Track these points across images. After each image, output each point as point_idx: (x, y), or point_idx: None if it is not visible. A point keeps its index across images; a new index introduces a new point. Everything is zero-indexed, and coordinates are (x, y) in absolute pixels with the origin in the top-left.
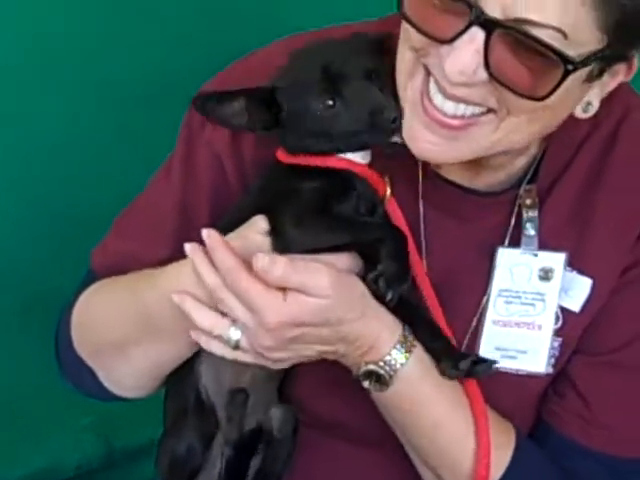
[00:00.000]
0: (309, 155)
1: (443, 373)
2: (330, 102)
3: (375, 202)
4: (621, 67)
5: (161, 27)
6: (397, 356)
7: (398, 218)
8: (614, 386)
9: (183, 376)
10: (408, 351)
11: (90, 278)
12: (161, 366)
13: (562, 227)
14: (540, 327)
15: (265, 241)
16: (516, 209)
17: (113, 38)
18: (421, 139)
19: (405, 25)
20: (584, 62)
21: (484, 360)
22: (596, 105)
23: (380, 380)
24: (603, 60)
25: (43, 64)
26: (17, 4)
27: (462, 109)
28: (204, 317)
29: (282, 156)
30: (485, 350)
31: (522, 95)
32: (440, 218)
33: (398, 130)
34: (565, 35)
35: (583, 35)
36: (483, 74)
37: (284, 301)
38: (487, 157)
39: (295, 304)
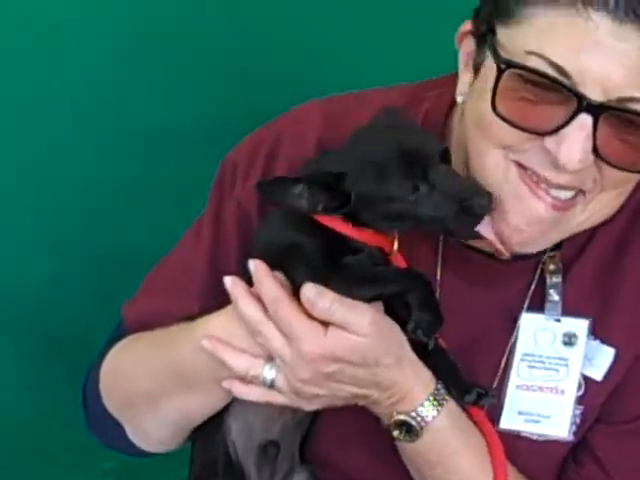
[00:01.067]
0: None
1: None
2: (414, 188)
3: (380, 259)
4: None
5: (195, 82)
6: (429, 408)
7: None
8: (635, 456)
9: (211, 430)
10: (440, 404)
11: (120, 332)
12: (190, 418)
13: (586, 295)
14: (563, 392)
15: None
16: (538, 274)
17: (148, 88)
18: (525, 230)
19: (490, 122)
20: None
21: (486, 394)
22: None
23: (411, 431)
24: None
25: (80, 108)
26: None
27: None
28: (238, 359)
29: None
30: (508, 414)
31: (629, 170)
32: (459, 284)
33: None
34: None
35: None
36: (591, 158)
37: (324, 334)
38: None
39: (335, 338)
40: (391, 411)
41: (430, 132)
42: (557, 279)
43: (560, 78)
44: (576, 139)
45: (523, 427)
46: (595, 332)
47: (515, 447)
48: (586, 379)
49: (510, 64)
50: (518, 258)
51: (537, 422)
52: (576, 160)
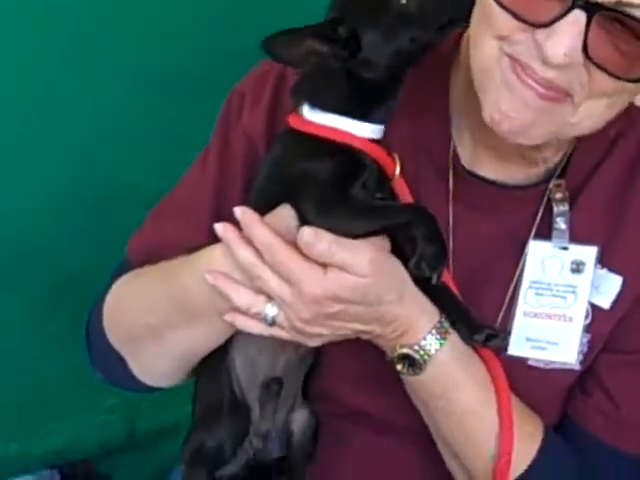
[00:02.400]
0: (322, 127)
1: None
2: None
3: (381, 179)
4: None
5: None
6: (432, 341)
7: (406, 197)
8: None
9: (215, 365)
10: (443, 337)
11: (125, 266)
12: (194, 351)
13: (594, 222)
14: (571, 319)
15: (295, 222)
16: (544, 202)
17: (147, 28)
18: (515, 117)
19: (490, 12)
20: None
21: (496, 335)
22: None
23: (414, 364)
24: None
25: (79, 54)
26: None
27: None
28: (240, 295)
29: (295, 122)
30: (516, 341)
31: (617, 77)
32: (470, 214)
33: None
34: None
35: None
36: (580, 57)
37: (324, 275)
38: (530, 151)
39: (335, 280)
40: (395, 344)
41: None
42: (564, 207)
43: None
44: (565, 33)
45: (531, 354)
46: (603, 260)
47: (522, 375)
48: (594, 307)
49: None
50: (522, 186)
51: (544, 349)
52: (560, 53)
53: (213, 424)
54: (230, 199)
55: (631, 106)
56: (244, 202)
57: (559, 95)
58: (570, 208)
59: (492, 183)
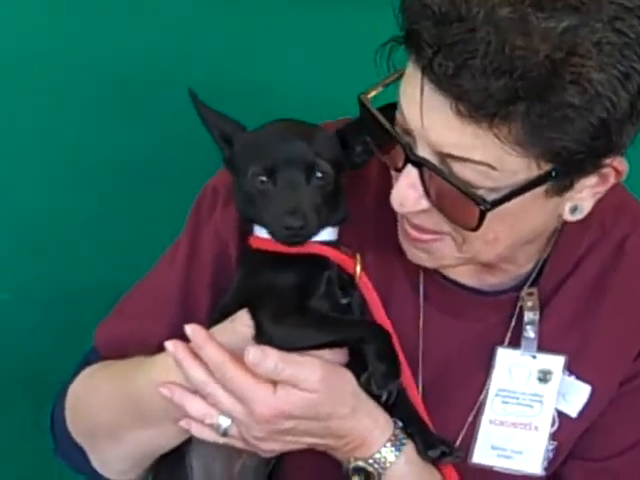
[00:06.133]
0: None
1: None
2: (263, 179)
3: (347, 281)
4: (609, 171)
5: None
6: (387, 454)
7: (371, 296)
8: None
9: (172, 464)
10: (398, 449)
11: (94, 355)
12: (150, 452)
13: (563, 331)
14: (537, 428)
15: (250, 332)
16: (517, 310)
17: (110, 118)
18: (410, 255)
19: None
20: (511, 195)
21: (450, 453)
22: (587, 207)
23: (369, 477)
24: (556, 179)
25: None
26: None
27: None
28: (194, 405)
29: (254, 242)
30: (481, 448)
31: (460, 225)
32: (441, 317)
33: (296, 239)
34: (493, 167)
35: (514, 165)
36: (425, 203)
37: (274, 394)
38: (496, 270)
39: (285, 397)
40: (349, 457)
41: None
42: (534, 316)
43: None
44: (401, 184)
45: (495, 462)
46: (571, 368)
47: None
48: (560, 415)
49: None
50: (495, 292)
51: (510, 458)
52: (397, 203)
53: None
54: (197, 298)
55: (608, 218)
56: (214, 304)
57: (432, 236)
58: (540, 315)
59: (464, 287)
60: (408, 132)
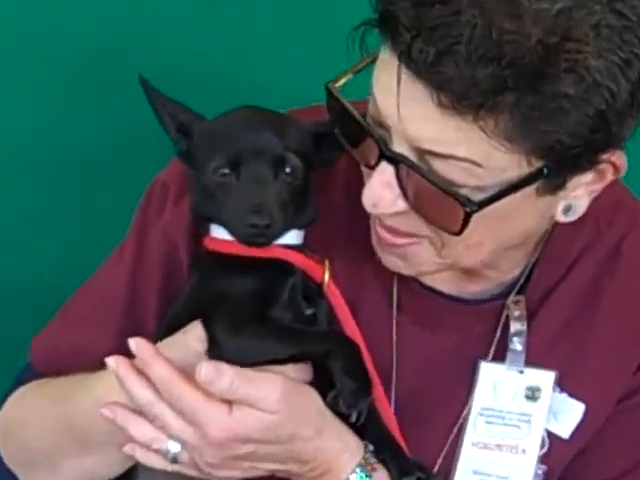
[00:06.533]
0: (230, 243)
1: None
2: (226, 171)
3: (313, 289)
4: (606, 167)
5: None
6: None
7: (340, 306)
8: None
9: None
10: (369, 475)
11: (29, 372)
12: None
13: (554, 343)
14: (524, 451)
15: (203, 346)
16: (503, 320)
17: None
18: (384, 261)
19: None
20: (499, 195)
21: (429, 479)
22: (581, 207)
23: None
24: (549, 177)
25: None
26: None
27: None
28: (140, 429)
29: (210, 243)
30: (462, 474)
31: (442, 228)
32: (416, 328)
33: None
34: (479, 164)
35: (502, 161)
36: (402, 204)
37: (229, 415)
38: (479, 277)
39: (241, 419)
40: None
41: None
42: (521, 326)
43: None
44: (374, 184)
45: None
46: (563, 384)
47: None
48: (551, 436)
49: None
50: (477, 301)
51: None
52: (370, 203)
53: None
54: (146, 304)
55: (593, 214)
56: (161, 312)
57: (408, 240)
58: (528, 325)
59: (442, 295)
60: (382, 125)
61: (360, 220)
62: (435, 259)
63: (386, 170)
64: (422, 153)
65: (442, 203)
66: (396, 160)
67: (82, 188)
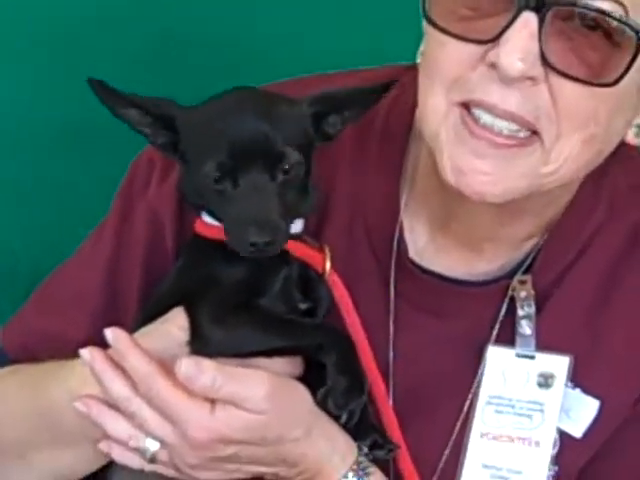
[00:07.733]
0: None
1: None
2: (220, 177)
3: (310, 280)
4: None
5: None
6: None
7: (343, 298)
8: None
9: None
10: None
11: (0, 358)
12: (65, 478)
13: (567, 331)
14: (538, 443)
15: (185, 336)
16: (507, 302)
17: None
18: (472, 170)
19: (435, 59)
20: None
21: (382, 445)
22: None
23: None
24: None
25: None
26: None
27: (512, 128)
28: (117, 425)
29: (200, 227)
30: (470, 468)
31: (588, 82)
32: (416, 315)
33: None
34: (626, 10)
35: None
36: (539, 68)
37: (212, 414)
38: (491, 243)
39: (224, 419)
40: None
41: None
42: (529, 308)
43: None
44: (519, 39)
45: None
46: (576, 378)
47: None
48: (563, 435)
49: None
50: (480, 282)
51: (506, 479)
52: (516, 59)
53: None
54: (125, 287)
55: (607, 195)
56: (144, 297)
57: (519, 142)
58: (538, 310)
59: (443, 278)
60: None
61: (359, 203)
62: (537, 169)
63: (529, 21)
64: None
65: (598, 48)
66: (544, 6)
67: (62, 165)
